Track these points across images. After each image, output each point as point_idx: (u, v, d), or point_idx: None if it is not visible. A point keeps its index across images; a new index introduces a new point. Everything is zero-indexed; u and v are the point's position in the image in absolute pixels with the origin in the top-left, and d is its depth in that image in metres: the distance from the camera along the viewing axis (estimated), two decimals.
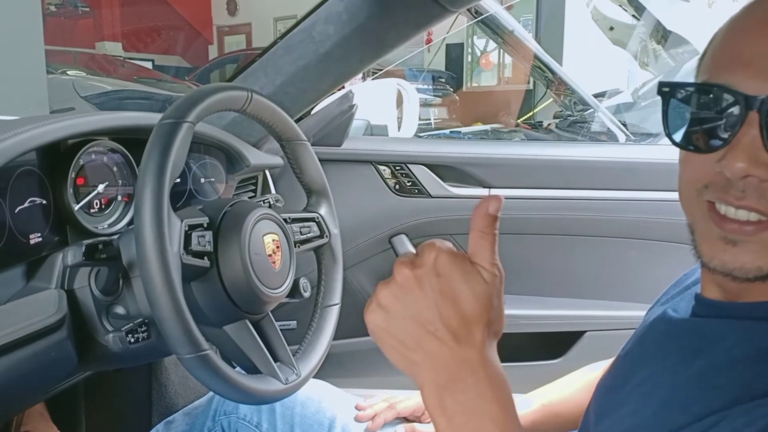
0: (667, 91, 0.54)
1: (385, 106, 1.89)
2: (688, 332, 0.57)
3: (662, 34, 3.33)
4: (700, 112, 0.52)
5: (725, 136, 0.49)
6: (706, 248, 0.52)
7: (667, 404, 0.52)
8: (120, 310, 0.73)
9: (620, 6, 3.54)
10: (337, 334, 0.89)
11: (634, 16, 3.51)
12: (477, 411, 0.50)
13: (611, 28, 3.74)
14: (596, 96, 2.67)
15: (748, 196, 0.49)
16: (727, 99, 0.49)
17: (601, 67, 4.08)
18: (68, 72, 5.48)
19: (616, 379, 0.63)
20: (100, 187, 0.86)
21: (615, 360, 0.68)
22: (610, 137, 2.27)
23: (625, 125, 2.30)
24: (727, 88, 0.49)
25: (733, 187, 0.49)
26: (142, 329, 0.69)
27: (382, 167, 1.44)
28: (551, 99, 2.93)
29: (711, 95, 0.51)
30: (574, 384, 0.90)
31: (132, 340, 0.68)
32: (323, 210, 0.89)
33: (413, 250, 1.42)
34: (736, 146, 0.48)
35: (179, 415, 1.03)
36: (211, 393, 1.01)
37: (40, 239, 0.76)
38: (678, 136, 0.54)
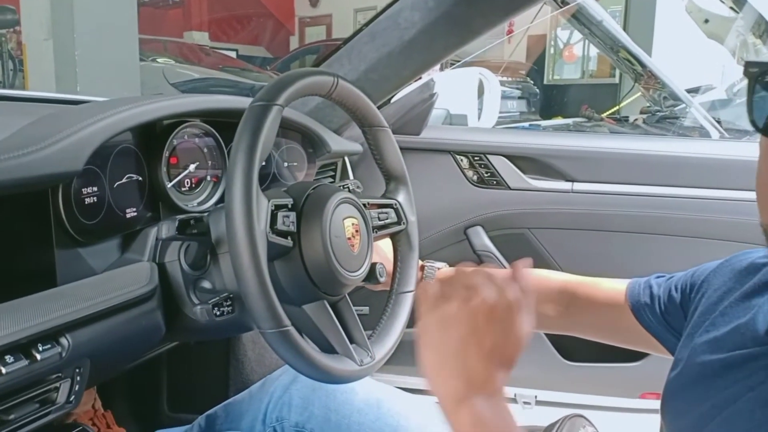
0: (755, 71, 0.49)
1: (465, 95, 1.86)
2: None
3: (764, 28, 3.12)
4: None
5: None
6: None
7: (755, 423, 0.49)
8: (206, 284, 0.76)
9: None
10: (410, 323, 0.89)
11: (732, 8, 3.30)
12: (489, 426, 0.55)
13: (706, 21, 3.54)
14: (689, 91, 2.54)
15: None
16: None
17: (693, 61, 3.88)
18: (158, 60, 5.76)
19: (692, 401, 0.59)
20: (191, 167, 0.89)
21: (683, 378, 0.64)
22: (702, 134, 2.16)
23: (719, 122, 2.18)
24: None
25: None
26: (227, 303, 0.72)
27: (460, 157, 1.43)
28: (639, 93, 2.81)
29: None
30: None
31: (218, 313, 0.70)
32: (401, 197, 0.89)
33: (489, 243, 1.41)
34: None
35: (220, 409, 0.99)
36: (255, 391, 0.99)
37: (135, 214, 0.81)
38: (761, 122, 0.49)
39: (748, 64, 0.50)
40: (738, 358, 0.56)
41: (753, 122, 0.50)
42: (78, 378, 0.69)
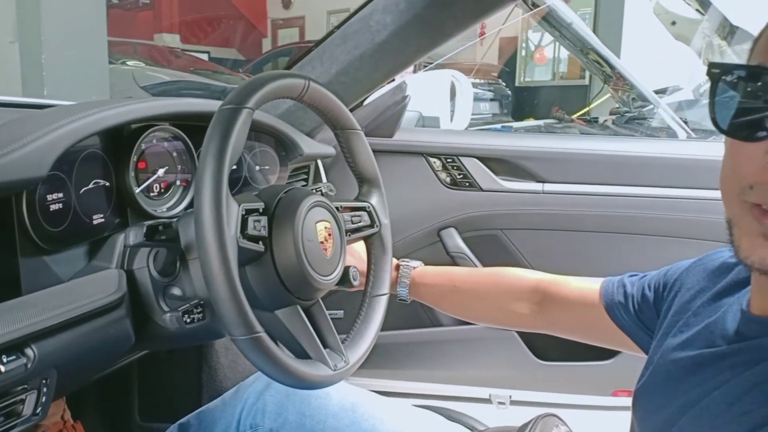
0: (717, 72, 0.50)
1: (437, 97, 1.87)
2: (738, 351, 0.54)
3: (728, 30, 3.20)
4: (752, 97, 0.48)
5: None
6: (745, 243, 0.49)
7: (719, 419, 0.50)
8: (176, 291, 0.74)
9: (684, 0, 3.41)
10: (384, 326, 0.89)
11: (698, 10, 3.38)
12: None
13: (673, 23, 3.62)
14: (657, 92, 2.58)
15: None
16: None
17: (661, 63, 3.95)
18: (128, 62, 5.66)
19: (662, 400, 0.61)
20: (160, 172, 0.88)
21: (653, 381, 0.65)
22: (669, 135, 2.20)
23: (686, 123, 2.22)
24: None
25: None
26: (198, 310, 0.70)
27: (433, 159, 1.43)
28: (608, 94, 2.85)
29: (765, 80, 0.46)
30: (483, 271, 0.95)
31: (188, 320, 0.69)
32: (374, 200, 0.89)
33: (462, 245, 1.42)
34: None
35: (192, 417, 0.98)
36: (228, 398, 0.98)
37: (103, 220, 0.79)
38: (724, 122, 0.49)
39: (711, 65, 0.50)
40: (708, 356, 0.57)
41: (715, 122, 0.51)
42: (44, 389, 0.67)
